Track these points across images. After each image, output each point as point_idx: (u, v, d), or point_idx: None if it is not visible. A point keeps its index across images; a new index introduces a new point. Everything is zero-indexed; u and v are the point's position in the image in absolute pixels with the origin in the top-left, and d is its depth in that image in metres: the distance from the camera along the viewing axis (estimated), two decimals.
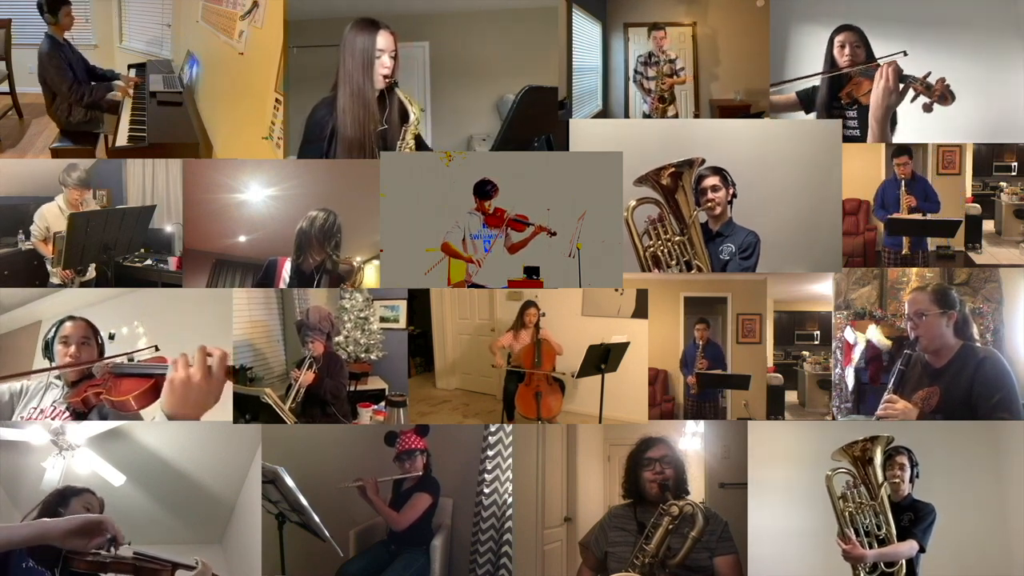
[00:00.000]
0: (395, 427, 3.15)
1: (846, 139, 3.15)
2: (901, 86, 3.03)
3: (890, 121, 3.11)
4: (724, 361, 3.25)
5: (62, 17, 3.52)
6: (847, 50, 3.14)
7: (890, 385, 2.83)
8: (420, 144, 3.13)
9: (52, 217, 3.20)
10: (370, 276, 3.14)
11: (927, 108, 3.02)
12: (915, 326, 2.85)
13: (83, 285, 3.22)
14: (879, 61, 3.07)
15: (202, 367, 1.91)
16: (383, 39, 2.94)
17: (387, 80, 2.98)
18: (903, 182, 3.18)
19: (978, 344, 2.92)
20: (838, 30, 3.16)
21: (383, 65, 2.95)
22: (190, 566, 2.24)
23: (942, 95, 2.99)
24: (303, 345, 3.22)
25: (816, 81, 3.21)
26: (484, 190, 3.02)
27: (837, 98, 3.18)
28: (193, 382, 1.90)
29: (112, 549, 2.09)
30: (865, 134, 3.15)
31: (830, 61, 3.18)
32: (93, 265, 3.23)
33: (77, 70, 3.58)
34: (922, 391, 2.83)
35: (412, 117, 3.02)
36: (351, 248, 3.14)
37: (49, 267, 3.24)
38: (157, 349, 2.37)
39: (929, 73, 3.01)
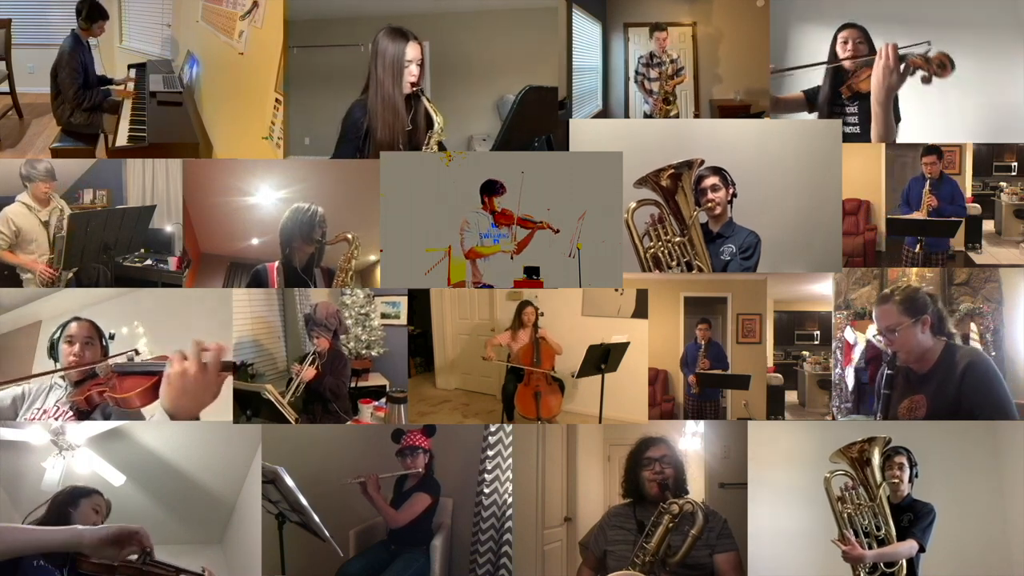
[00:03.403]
0: (402, 427, 3.15)
1: (846, 137, 3.13)
2: (902, 66, 2.95)
3: (893, 113, 3.04)
4: (726, 361, 3.25)
5: (95, 27, 3.60)
6: (850, 46, 3.12)
7: (877, 413, 2.82)
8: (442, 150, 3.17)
9: (19, 218, 3.11)
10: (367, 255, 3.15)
11: (926, 80, 2.92)
12: (890, 342, 2.75)
13: (68, 285, 3.17)
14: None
15: (197, 361, 1.91)
16: (412, 50, 3.03)
17: (414, 87, 3.06)
18: (928, 181, 3.16)
19: (958, 343, 2.82)
20: (842, 27, 3.15)
21: (411, 73, 3.04)
22: (196, 573, 2.21)
23: (940, 63, 2.88)
24: (308, 339, 3.23)
25: (821, 80, 3.20)
26: (494, 187, 3.04)
27: (839, 95, 3.16)
28: (189, 375, 1.89)
29: (145, 560, 2.04)
30: (866, 131, 3.12)
31: (833, 58, 3.16)
32: (75, 270, 3.16)
33: (89, 73, 3.61)
34: (907, 401, 2.77)
35: (436, 126, 3.07)
36: (363, 251, 3.16)
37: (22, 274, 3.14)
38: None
39: (929, 49, 2.92)
